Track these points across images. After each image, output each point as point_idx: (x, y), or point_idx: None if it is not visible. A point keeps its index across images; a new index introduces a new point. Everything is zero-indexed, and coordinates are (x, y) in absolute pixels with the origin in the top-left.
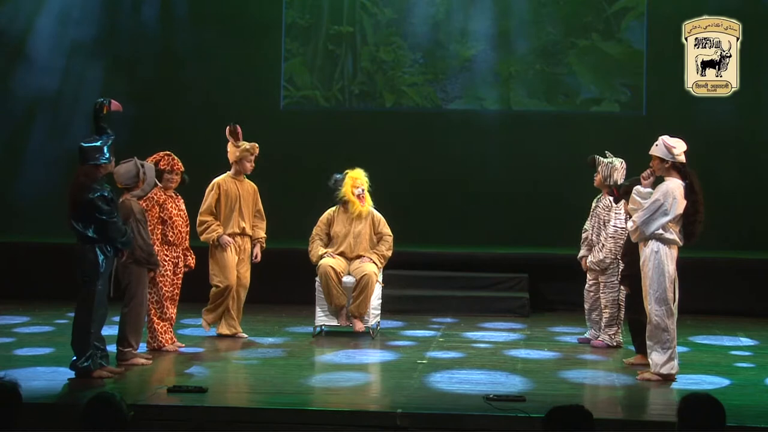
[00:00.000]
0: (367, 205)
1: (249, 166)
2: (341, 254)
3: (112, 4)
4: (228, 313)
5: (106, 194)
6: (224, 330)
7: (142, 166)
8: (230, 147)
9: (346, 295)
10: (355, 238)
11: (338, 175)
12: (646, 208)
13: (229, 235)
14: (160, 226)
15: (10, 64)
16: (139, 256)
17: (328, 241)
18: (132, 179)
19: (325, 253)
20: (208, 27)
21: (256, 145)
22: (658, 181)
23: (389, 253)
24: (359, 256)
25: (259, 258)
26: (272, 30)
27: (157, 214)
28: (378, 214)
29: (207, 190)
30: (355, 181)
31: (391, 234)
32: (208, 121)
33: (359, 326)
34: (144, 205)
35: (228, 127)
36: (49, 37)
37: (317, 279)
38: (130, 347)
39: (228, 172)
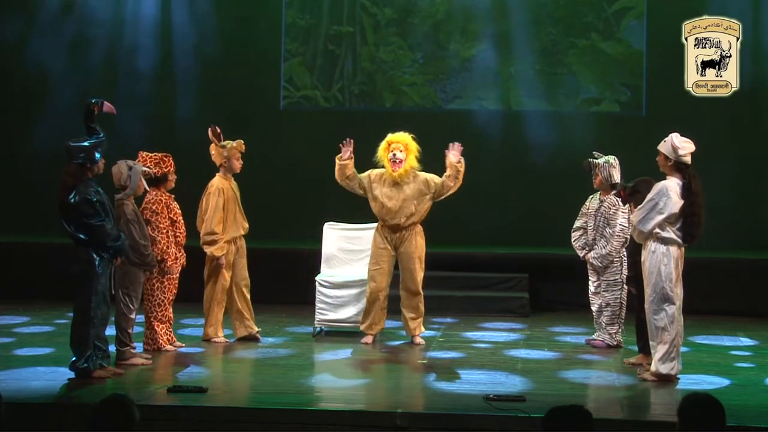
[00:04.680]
0: (402, 170)
1: (238, 164)
2: (387, 220)
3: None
4: (240, 314)
5: (90, 197)
6: (242, 332)
7: (130, 168)
8: (214, 149)
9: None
10: (402, 202)
11: None
12: (641, 207)
13: (236, 238)
14: (171, 228)
15: (8, 61)
16: (131, 257)
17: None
18: (119, 181)
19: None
20: (207, 26)
21: (242, 141)
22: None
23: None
24: (405, 227)
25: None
26: (272, 30)
27: (166, 216)
28: (427, 175)
29: (210, 195)
30: (390, 145)
31: (443, 178)
32: (208, 121)
33: (420, 341)
34: (155, 208)
35: (210, 129)
36: (47, 35)
37: (317, 280)
38: (127, 346)
39: (217, 175)
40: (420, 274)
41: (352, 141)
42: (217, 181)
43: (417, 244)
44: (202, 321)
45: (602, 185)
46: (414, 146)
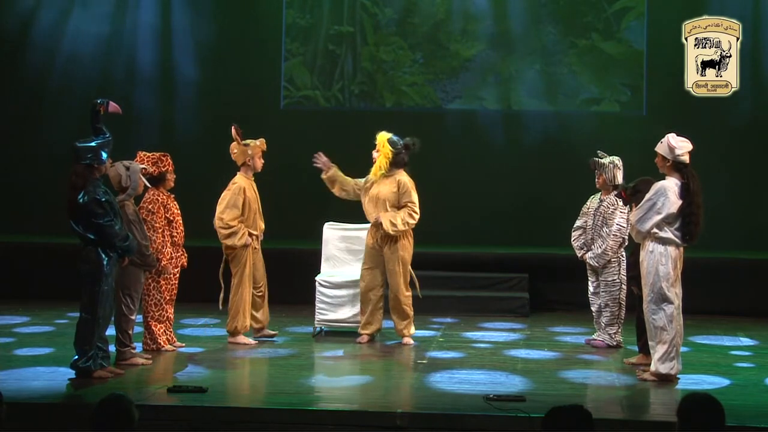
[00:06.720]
0: (372, 171)
1: (260, 163)
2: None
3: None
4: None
5: (99, 197)
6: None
7: (127, 168)
8: (237, 148)
9: (379, 324)
10: (376, 202)
11: (395, 138)
12: (639, 207)
13: (252, 236)
14: (167, 228)
15: (8, 60)
16: (133, 257)
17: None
18: (119, 183)
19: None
20: (208, 26)
21: (264, 140)
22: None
23: (408, 219)
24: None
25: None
26: (272, 30)
27: (163, 216)
28: (406, 181)
29: (231, 193)
30: (378, 145)
31: (413, 202)
32: (208, 121)
33: (408, 341)
34: (151, 207)
35: (234, 128)
36: (50, 34)
37: (317, 280)
38: (127, 347)
39: (239, 173)
40: (401, 276)
41: (321, 154)
42: (241, 180)
43: (400, 245)
44: (202, 321)
45: (605, 185)
46: (387, 148)
